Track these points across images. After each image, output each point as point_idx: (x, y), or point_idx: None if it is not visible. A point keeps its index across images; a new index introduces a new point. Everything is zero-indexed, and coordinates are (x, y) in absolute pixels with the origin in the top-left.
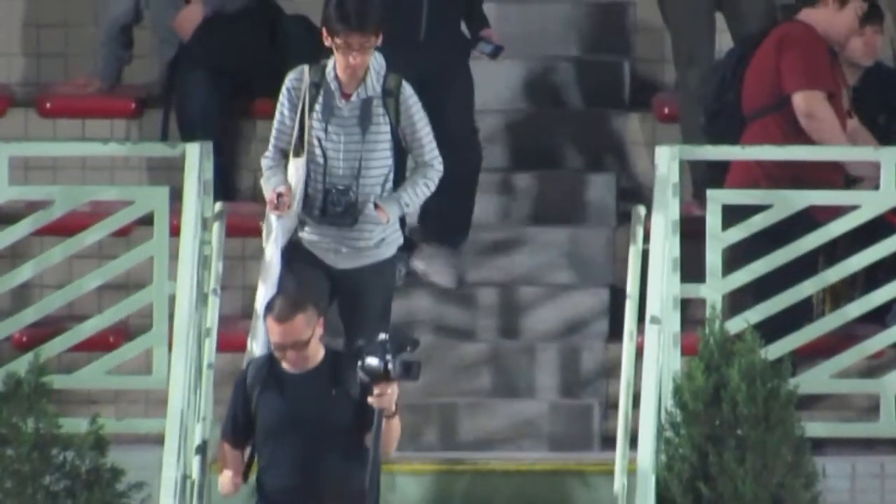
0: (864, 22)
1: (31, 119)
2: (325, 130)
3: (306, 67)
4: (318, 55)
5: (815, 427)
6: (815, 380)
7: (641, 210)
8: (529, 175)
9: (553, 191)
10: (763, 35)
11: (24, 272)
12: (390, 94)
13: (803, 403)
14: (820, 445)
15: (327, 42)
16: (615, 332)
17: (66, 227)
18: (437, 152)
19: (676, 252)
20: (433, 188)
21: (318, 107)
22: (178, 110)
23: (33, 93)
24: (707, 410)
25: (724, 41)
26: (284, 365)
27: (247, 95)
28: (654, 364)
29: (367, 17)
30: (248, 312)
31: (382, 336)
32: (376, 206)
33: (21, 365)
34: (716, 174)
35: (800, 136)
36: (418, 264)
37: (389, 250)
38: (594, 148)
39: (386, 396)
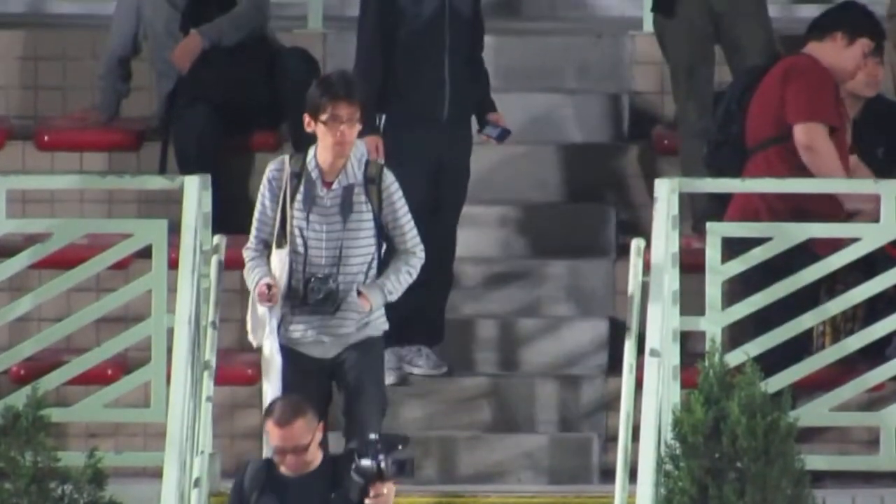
0: (866, 53)
1: (30, 152)
2: (307, 220)
3: (286, 157)
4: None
5: (815, 460)
6: (814, 413)
7: (641, 242)
8: (528, 207)
9: (552, 223)
10: (768, 67)
11: (23, 305)
12: (372, 182)
13: (803, 436)
14: (820, 478)
15: (310, 128)
16: (615, 365)
17: (64, 260)
18: (418, 239)
19: (676, 285)
20: (415, 275)
21: (299, 196)
22: (177, 143)
23: (31, 126)
24: (707, 443)
25: (722, 74)
26: (282, 469)
27: (245, 128)
28: (653, 397)
29: (352, 87)
30: (246, 345)
31: (373, 436)
32: (359, 293)
33: (19, 398)
34: (717, 207)
35: (803, 168)
36: (399, 369)
37: (374, 331)
38: (593, 180)
39: (382, 497)
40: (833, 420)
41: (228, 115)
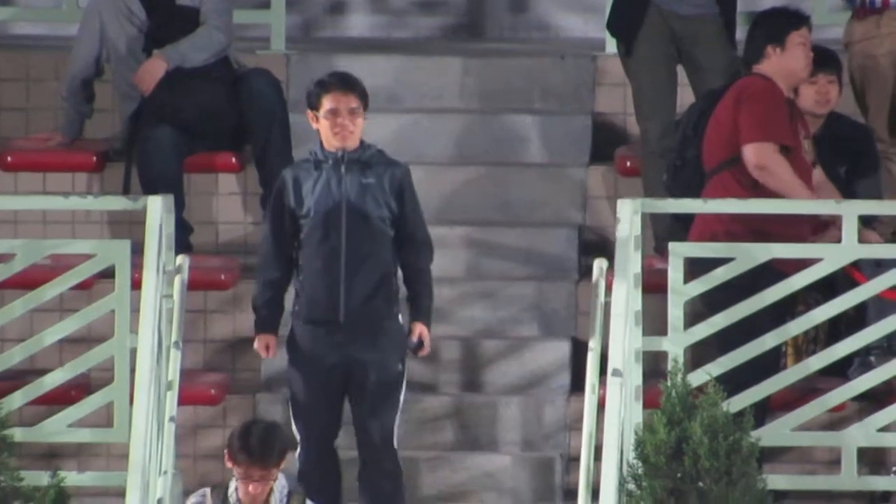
0: (817, 70)
1: None
2: None
3: (208, 490)
4: (280, 110)
5: (777, 480)
6: (776, 433)
7: (603, 263)
8: (491, 229)
9: (515, 244)
10: (724, 90)
11: None
12: None
13: (765, 456)
14: (782, 498)
15: (228, 465)
16: (577, 386)
17: (27, 281)
18: None
19: (638, 305)
20: None
21: None
22: (140, 164)
23: None
24: (669, 464)
25: (685, 95)
26: None
27: (208, 149)
28: (615, 417)
29: (270, 451)
30: (209, 366)
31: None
32: None
33: None
34: (680, 231)
35: (759, 190)
36: None
37: None
38: (557, 201)
39: None
40: (795, 440)
41: (192, 136)
